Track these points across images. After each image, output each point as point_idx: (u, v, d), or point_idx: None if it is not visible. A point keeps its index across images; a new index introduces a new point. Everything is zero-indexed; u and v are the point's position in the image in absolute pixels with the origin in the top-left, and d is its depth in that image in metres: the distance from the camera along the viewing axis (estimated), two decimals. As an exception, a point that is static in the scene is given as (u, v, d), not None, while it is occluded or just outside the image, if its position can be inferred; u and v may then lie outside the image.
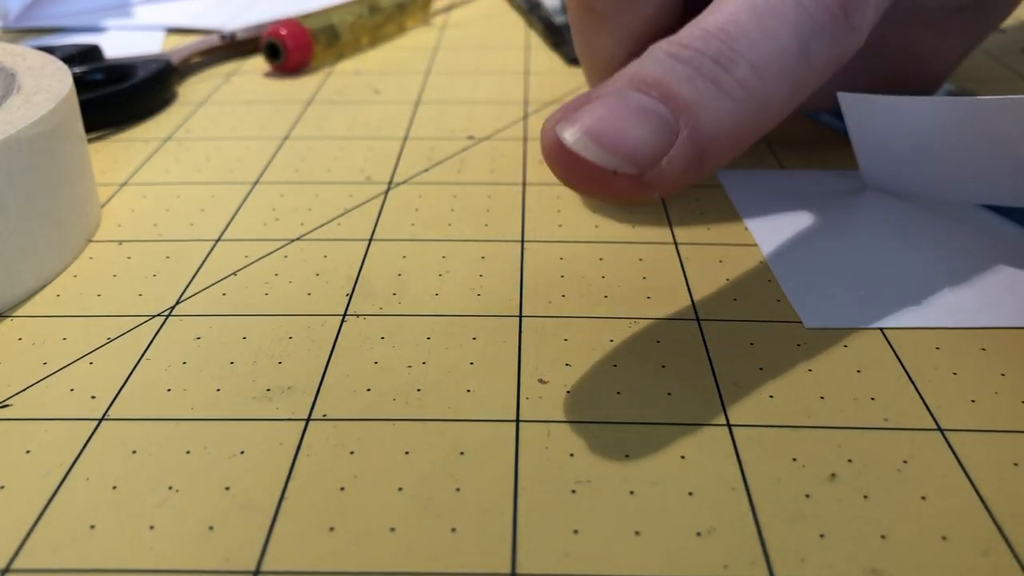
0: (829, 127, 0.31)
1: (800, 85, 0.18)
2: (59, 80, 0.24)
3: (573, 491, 0.16)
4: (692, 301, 0.21)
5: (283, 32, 0.37)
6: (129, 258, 0.23)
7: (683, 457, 0.17)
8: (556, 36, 0.41)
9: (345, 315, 0.21)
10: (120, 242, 0.24)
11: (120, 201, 0.27)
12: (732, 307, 0.21)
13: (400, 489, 0.16)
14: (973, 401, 0.18)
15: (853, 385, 0.18)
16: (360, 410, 0.18)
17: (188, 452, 0.17)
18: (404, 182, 0.28)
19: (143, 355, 0.20)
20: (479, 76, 0.37)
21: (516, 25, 0.45)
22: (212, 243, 0.24)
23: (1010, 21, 0.42)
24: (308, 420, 0.18)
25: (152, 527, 0.15)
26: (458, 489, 0.16)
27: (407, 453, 0.17)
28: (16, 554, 0.15)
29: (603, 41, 0.25)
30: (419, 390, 0.18)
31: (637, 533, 0.15)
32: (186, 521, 0.15)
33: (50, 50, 0.29)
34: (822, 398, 0.18)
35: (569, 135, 0.16)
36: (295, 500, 0.16)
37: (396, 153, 0.30)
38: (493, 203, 0.26)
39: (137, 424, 0.18)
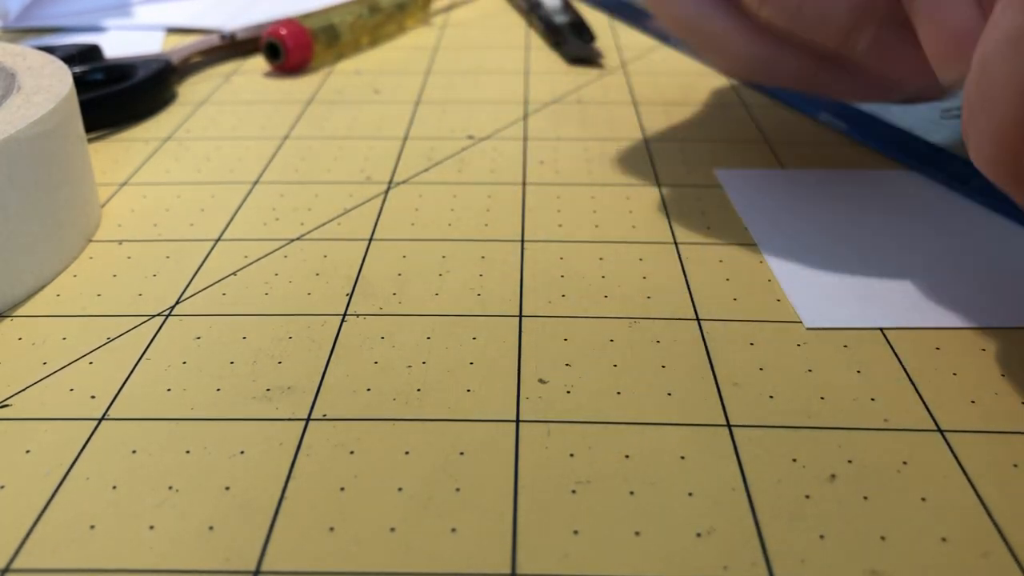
0: (829, 127, 0.31)
1: None
2: (59, 80, 0.24)
3: (573, 491, 0.16)
4: (692, 301, 0.21)
5: (283, 32, 0.37)
6: (129, 258, 0.23)
7: (683, 457, 0.17)
8: (556, 36, 0.41)
9: (345, 315, 0.21)
10: (120, 242, 0.24)
11: (120, 201, 0.27)
12: (732, 307, 0.21)
13: (400, 489, 0.16)
14: (973, 402, 0.18)
15: (853, 385, 0.18)
16: (360, 410, 0.18)
17: (188, 452, 0.17)
18: (404, 182, 0.28)
19: (143, 355, 0.20)
20: (479, 76, 0.37)
21: (516, 25, 0.45)
22: (212, 243, 0.24)
23: None
24: (308, 420, 0.18)
25: (152, 527, 0.15)
26: (458, 489, 0.16)
27: (407, 453, 0.17)
28: (16, 554, 0.15)
29: None
30: (419, 390, 0.18)
31: (637, 533, 0.15)
32: (186, 521, 0.15)
33: (50, 50, 0.29)
34: (822, 398, 0.18)
35: None
36: (295, 500, 0.16)
37: (396, 153, 0.30)
38: (493, 203, 0.26)
39: (137, 424, 0.18)
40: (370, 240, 0.24)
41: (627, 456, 0.17)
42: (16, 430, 0.17)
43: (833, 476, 0.16)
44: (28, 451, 0.17)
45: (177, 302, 0.21)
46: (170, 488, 0.16)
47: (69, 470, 0.16)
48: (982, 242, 0.23)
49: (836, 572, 0.14)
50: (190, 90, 0.36)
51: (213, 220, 0.25)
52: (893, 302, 0.21)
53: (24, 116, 0.22)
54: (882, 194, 0.26)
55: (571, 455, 0.17)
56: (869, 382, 0.18)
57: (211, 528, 0.15)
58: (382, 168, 0.28)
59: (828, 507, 0.15)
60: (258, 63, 0.39)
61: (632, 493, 0.16)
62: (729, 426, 0.17)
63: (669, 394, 0.18)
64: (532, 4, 0.45)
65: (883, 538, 0.15)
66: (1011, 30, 0.16)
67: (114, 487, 0.16)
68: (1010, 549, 0.15)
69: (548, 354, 0.19)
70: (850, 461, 0.16)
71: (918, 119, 0.30)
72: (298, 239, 0.24)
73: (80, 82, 0.33)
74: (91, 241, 0.24)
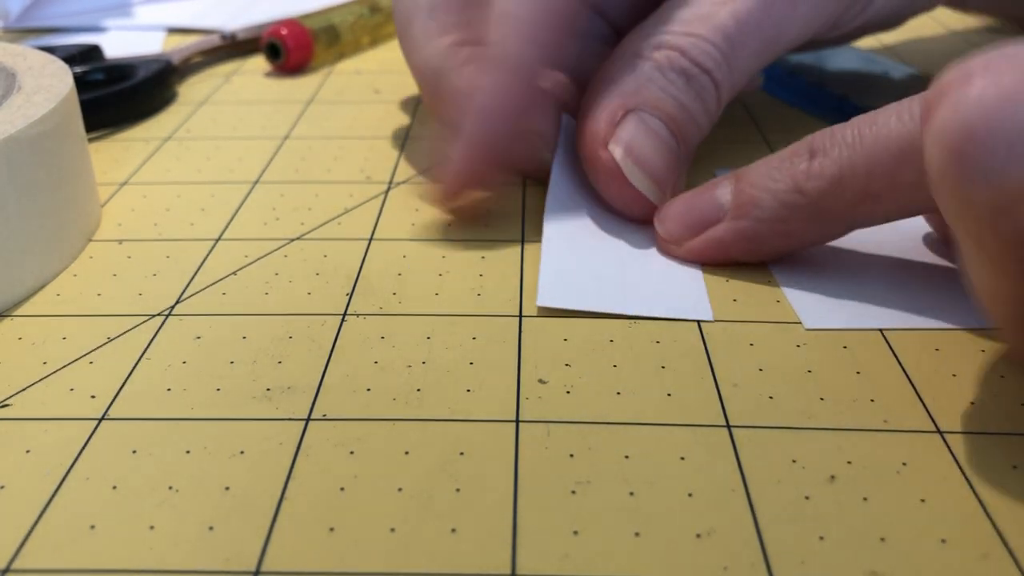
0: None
1: None
2: (59, 80, 0.24)
3: (573, 491, 0.16)
4: (692, 302, 0.21)
5: (283, 32, 0.37)
6: (129, 257, 0.23)
7: (683, 458, 0.17)
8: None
9: (345, 315, 0.21)
10: (120, 241, 0.24)
11: (120, 201, 0.27)
12: (732, 307, 0.21)
13: (400, 489, 0.16)
14: (972, 403, 0.18)
15: (853, 386, 0.18)
16: (360, 410, 0.18)
17: (188, 452, 0.17)
18: (404, 182, 0.28)
19: (143, 355, 0.20)
20: (479, 76, 0.37)
21: (516, 25, 0.45)
22: (212, 243, 0.24)
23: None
24: (308, 420, 0.18)
25: (152, 527, 0.15)
26: (458, 489, 0.16)
27: (407, 453, 0.17)
28: (16, 554, 0.15)
29: None
30: (419, 390, 0.18)
31: (637, 534, 0.15)
32: (186, 521, 0.15)
33: (51, 50, 0.29)
34: (822, 399, 0.18)
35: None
36: (295, 500, 0.16)
37: (396, 153, 0.30)
38: (493, 203, 0.26)
39: (137, 424, 0.18)
40: (370, 240, 0.24)
41: (627, 456, 0.17)
42: (16, 430, 0.17)
43: (833, 477, 0.16)
44: (28, 451, 0.17)
45: (177, 302, 0.22)
46: (170, 488, 0.16)
47: (69, 470, 0.16)
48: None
49: (836, 573, 0.14)
50: (190, 90, 0.36)
51: (213, 220, 0.25)
52: (893, 303, 0.21)
53: (24, 116, 0.22)
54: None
55: (571, 455, 0.17)
56: (869, 383, 0.18)
57: (211, 528, 0.15)
58: (382, 168, 0.28)
59: (828, 508, 0.15)
60: (258, 63, 0.39)
61: (632, 493, 0.16)
62: (729, 427, 0.17)
63: (669, 394, 0.18)
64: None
65: (883, 539, 0.15)
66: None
67: (114, 487, 0.16)
68: (1009, 551, 0.15)
69: (548, 354, 0.19)
70: (850, 462, 0.16)
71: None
72: (298, 239, 0.24)
73: (80, 82, 0.33)
74: (91, 241, 0.24)
